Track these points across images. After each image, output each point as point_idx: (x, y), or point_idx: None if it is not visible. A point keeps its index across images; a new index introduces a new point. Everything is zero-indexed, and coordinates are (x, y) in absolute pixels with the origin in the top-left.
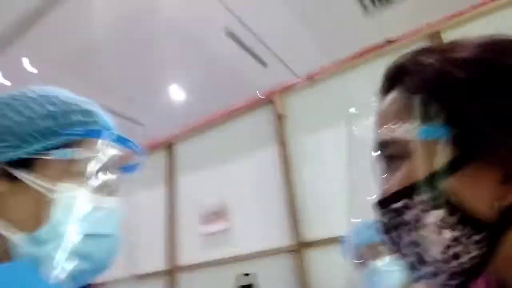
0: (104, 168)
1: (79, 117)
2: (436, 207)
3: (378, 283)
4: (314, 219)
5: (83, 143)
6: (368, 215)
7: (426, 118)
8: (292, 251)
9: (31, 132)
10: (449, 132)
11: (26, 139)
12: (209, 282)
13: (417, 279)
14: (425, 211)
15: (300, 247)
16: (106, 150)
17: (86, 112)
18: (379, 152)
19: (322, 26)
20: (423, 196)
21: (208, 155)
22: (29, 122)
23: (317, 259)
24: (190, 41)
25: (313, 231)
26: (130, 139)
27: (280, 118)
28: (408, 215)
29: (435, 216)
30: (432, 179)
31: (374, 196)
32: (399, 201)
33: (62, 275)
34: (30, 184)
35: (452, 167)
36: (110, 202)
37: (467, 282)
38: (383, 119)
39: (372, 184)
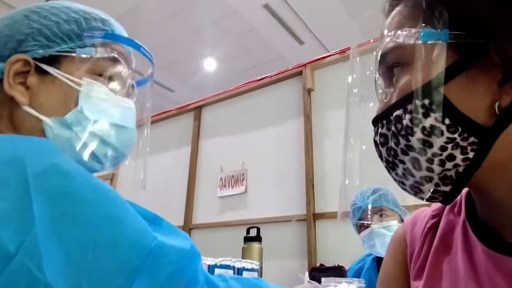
0: (122, 70)
1: (99, 24)
2: (435, 110)
3: (378, 244)
4: (329, 192)
5: (104, 45)
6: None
7: (428, 22)
8: (303, 220)
9: (58, 33)
10: (450, 35)
11: (54, 39)
12: (222, 241)
13: (408, 189)
14: (425, 114)
15: (312, 218)
16: (124, 54)
17: (104, 21)
18: (381, 66)
19: (362, 7)
20: (424, 100)
21: (234, 122)
22: (56, 25)
23: (327, 230)
24: (227, 11)
25: (327, 204)
26: (145, 47)
27: (308, 92)
28: (408, 119)
29: (433, 118)
30: (432, 83)
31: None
32: (400, 107)
33: (87, 155)
34: (59, 77)
35: (452, 71)
36: (127, 101)
37: (456, 191)
38: (387, 28)
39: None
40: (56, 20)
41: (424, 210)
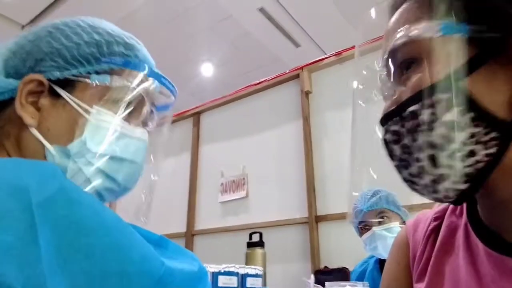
0: (137, 100)
1: (121, 49)
2: (457, 104)
3: (380, 247)
4: (330, 194)
5: (122, 73)
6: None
7: (446, 15)
8: (305, 223)
9: (77, 56)
10: (469, 28)
11: (71, 62)
12: (224, 246)
13: (420, 189)
14: (445, 109)
15: (314, 220)
16: (142, 83)
17: (128, 45)
18: (389, 63)
19: (357, 9)
20: (443, 94)
21: (233, 127)
22: (76, 47)
23: (329, 232)
24: (223, 16)
25: (329, 205)
26: (167, 78)
27: (305, 94)
28: (426, 114)
29: (453, 113)
30: (452, 77)
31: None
32: (416, 103)
33: (87, 188)
34: (70, 102)
35: (472, 65)
36: (139, 132)
37: (473, 189)
38: (396, 26)
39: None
40: (77, 41)
41: (426, 213)
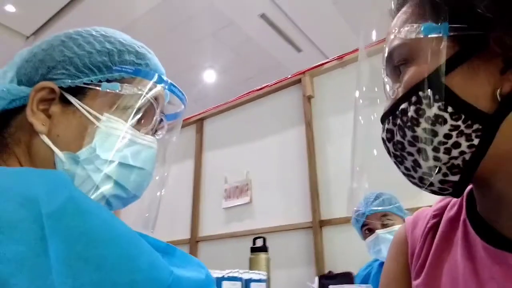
0: (147, 108)
1: (132, 58)
2: (438, 99)
3: (384, 250)
4: (334, 198)
5: (133, 81)
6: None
7: (429, 17)
8: (309, 227)
9: (88, 64)
10: (450, 28)
11: (83, 70)
12: (229, 252)
13: (418, 183)
14: (428, 104)
15: (318, 225)
16: (152, 91)
17: (140, 54)
18: (388, 66)
19: (358, 13)
20: (426, 91)
21: (236, 133)
22: (88, 55)
23: (334, 237)
24: (224, 23)
25: (332, 210)
26: (177, 86)
27: (307, 99)
28: (412, 111)
29: (436, 107)
30: (435, 75)
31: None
32: (406, 101)
33: (95, 195)
34: (81, 109)
35: (453, 62)
36: (148, 140)
37: (465, 180)
38: (393, 29)
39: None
40: (89, 50)
41: (425, 210)
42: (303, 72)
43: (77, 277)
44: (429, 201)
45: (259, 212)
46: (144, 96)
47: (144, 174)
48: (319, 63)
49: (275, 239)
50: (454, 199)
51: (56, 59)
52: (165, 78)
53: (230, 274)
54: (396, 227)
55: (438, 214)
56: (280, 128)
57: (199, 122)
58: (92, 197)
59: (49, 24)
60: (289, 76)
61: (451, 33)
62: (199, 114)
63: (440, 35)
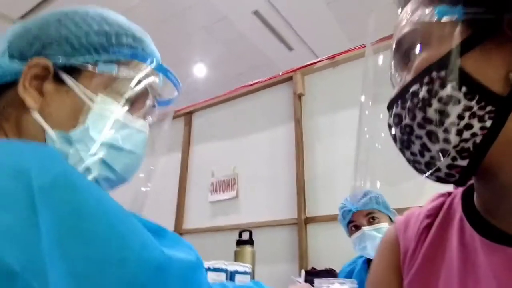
0: (142, 92)
1: (129, 41)
2: (451, 80)
3: (369, 247)
4: (320, 196)
5: (129, 64)
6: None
7: (443, 0)
8: (294, 224)
9: (85, 44)
10: (464, 11)
11: (79, 49)
12: (213, 246)
13: (424, 168)
14: (441, 85)
15: (303, 222)
16: (148, 75)
17: (137, 38)
18: (397, 53)
19: (351, 15)
20: (440, 72)
21: (225, 128)
22: (85, 35)
23: (318, 234)
24: (217, 18)
25: (318, 208)
26: (172, 72)
27: (298, 97)
28: (424, 91)
29: (450, 87)
30: (448, 56)
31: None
32: (417, 83)
33: (85, 175)
34: (75, 89)
35: (467, 45)
36: (140, 124)
37: (473, 166)
38: (403, 17)
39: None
40: (87, 30)
41: (415, 210)
42: (295, 70)
43: (67, 250)
44: (421, 202)
45: (245, 207)
46: (140, 80)
47: (135, 158)
48: (311, 62)
49: (260, 235)
50: (449, 199)
51: (52, 36)
52: (161, 63)
53: (216, 265)
54: (382, 225)
55: (432, 215)
56: (269, 125)
57: (188, 115)
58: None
59: (37, 8)
60: (281, 74)
61: (465, 17)
62: (188, 107)
63: (454, 18)
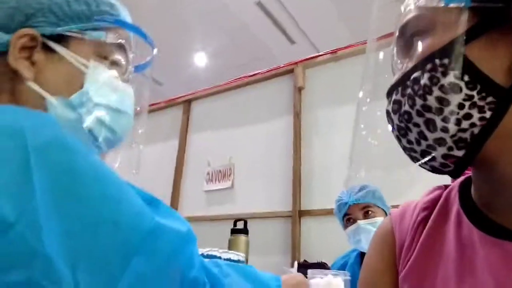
0: (123, 57)
1: (108, 9)
2: (454, 68)
3: (363, 240)
4: (315, 190)
5: (112, 31)
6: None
7: None
8: (289, 216)
9: (68, 13)
10: None
11: (63, 18)
12: (207, 235)
13: (419, 157)
14: (444, 73)
15: (298, 214)
16: (129, 41)
17: (113, 6)
18: (400, 40)
19: (354, 10)
20: (443, 60)
21: (223, 117)
22: (66, 4)
23: (311, 227)
24: (219, 6)
25: (313, 201)
26: (149, 36)
27: (298, 90)
28: (426, 79)
29: (452, 75)
30: (452, 43)
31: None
32: (419, 70)
33: (88, 137)
34: (66, 56)
35: (473, 33)
36: (128, 87)
37: (469, 157)
38: (409, 2)
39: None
40: None
41: (411, 203)
42: (296, 63)
43: (61, 208)
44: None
45: (240, 198)
46: (125, 45)
47: (129, 118)
48: (312, 55)
49: (254, 226)
50: (445, 192)
51: (33, 7)
52: (138, 27)
53: (210, 252)
54: (378, 219)
55: (428, 207)
56: (268, 117)
57: (187, 103)
58: (85, 137)
59: None
60: (282, 66)
61: (473, 4)
62: (187, 95)
63: (461, 5)
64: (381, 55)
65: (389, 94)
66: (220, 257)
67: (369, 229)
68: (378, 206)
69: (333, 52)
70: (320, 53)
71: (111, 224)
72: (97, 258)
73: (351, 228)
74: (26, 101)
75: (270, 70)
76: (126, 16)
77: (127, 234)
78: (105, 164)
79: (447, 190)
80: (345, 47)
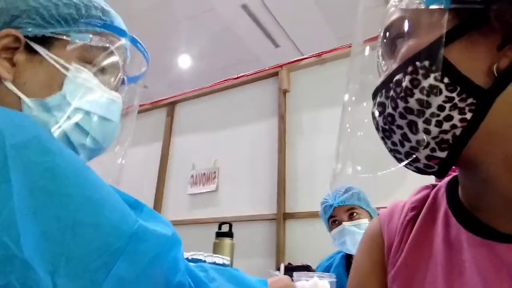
0: (114, 63)
1: (99, 13)
2: (434, 70)
3: (348, 242)
4: (299, 192)
5: (99, 36)
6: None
7: None
8: (273, 219)
9: (55, 16)
10: (451, 0)
11: (49, 20)
12: (191, 238)
13: (404, 158)
14: (424, 75)
15: (282, 217)
16: (119, 47)
17: (106, 11)
18: (384, 43)
19: (339, 14)
20: (424, 62)
21: (207, 120)
22: (54, 7)
23: (296, 230)
24: (204, 8)
25: (297, 204)
26: (143, 45)
27: (283, 93)
28: (407, 81)
29: (432, 78)
30: (432, 45)
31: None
32: (401, 72)
33: (63, 142)
34: (47, 58)
35: (453, 35)
36: (115, 94)
37: (452, 157)
38: (392, 4)
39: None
40: (56, 2)
41: (399, 202)
42: (281, 66)
43: (40, 209)
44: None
45: (225, 201)
46: (112, 51)
47: (113, 126)
48: (297, 59)
49: (239, 229)
50: (433, 192)
51: (20, 8)
52: (129, 34)
53: (194, 256)
54: (362, 221)
55: (417, 207)
56: (252, 119)
57: (171, 106)
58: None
59: None
60: (266, 68)
61: (452, 5)
62: (171, 97)
63: (442, 6)
64: (367, 57)
65: (374, 96)
66: (204, 261)
67: (353, 231)
68: (363, 208)
69: (318, 55)
70: (304, 56)
71: (91, 227)
72: (77, 263)
73: (336, 230)
74: (3, 102)
75: (255, 73)
76: (120, 23)
77: (109, 238)
78: (87, 166)
79: (435, 189)
80: (330, 51)
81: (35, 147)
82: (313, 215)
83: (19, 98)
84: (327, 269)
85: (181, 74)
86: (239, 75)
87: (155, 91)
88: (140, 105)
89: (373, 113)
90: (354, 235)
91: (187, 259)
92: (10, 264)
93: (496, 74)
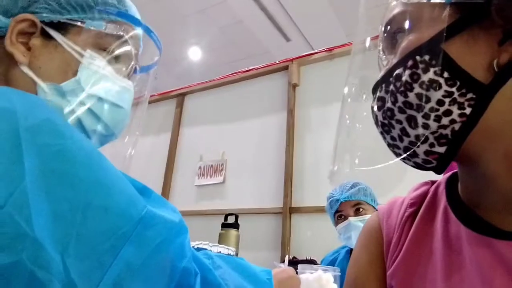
0: (127, 52)
1: (114, 1)
2: (434, 64)
3: (354, 237)
4: (306, 187)
5: (114, 24)
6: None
7: None
8: (279, 213)
9: (71, 2)
10: None
11: (65, 6)
12: (197, 229)
13: (402, 153)
14: (424, 69)
15: (288, 211)
16: (133, 36)
17: (122, 1)
18: (385, 37)
19: (350, 8)
20: (424, 56)
21: (216, 112)
22: None
23: (301, 224)
24: (216, 1)
25: (303, 198)
26: (156, 35)
27: (292, 87)
28: (407, 75)
29: (432, 72)
30: (433, 40)
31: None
32: (401, 66)
33: (76, 126)
34: (63, 44)
35: (453, 29)
36: (127, 82)
37: (451, 153)
38: (392, 1)
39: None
40: None
41: (398, 198)
42: (291, 60)
43: (51, 191)
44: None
45: (231, 193)
46: (126, 40)
47: (124, 113)
48: (307, 53)
49: (244, 222)
50: (432, 188)
51: None
52: (144, 23)
53: (200, 246)
54: (368, 216)
55: (416, 203)
56: (261, 113)
57: (180, 97)
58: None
59: None
60: (277, 62)
61: (453, 0)
62: (181, 88)
63: (443, 0)
64: (368, 52)
65: (374, 90)
66: (210, 251)
67: (359, 226)
68: (369, 204)
69: (329, 50)
70: (315, 51)
71: (101, 209)
72: (85, 244)
73: (342, 224)
74: (17, 85)
75: (265, 66)
76: (135, 12)
77: (118, 221)
78: (98, 150)
79: (434, 185)
80: (340, 46)
81: (47, 130)
82: (318, 210)
83: (34, 82)
84: (331, 264)
85: (191, 66)
86: (249, 69)
87: (164, 83)
88: (150, 96)
89: (372, 108)
90: (360, 230)
91: (192, 247)
92: (22, 242)
93: (496, 69)
